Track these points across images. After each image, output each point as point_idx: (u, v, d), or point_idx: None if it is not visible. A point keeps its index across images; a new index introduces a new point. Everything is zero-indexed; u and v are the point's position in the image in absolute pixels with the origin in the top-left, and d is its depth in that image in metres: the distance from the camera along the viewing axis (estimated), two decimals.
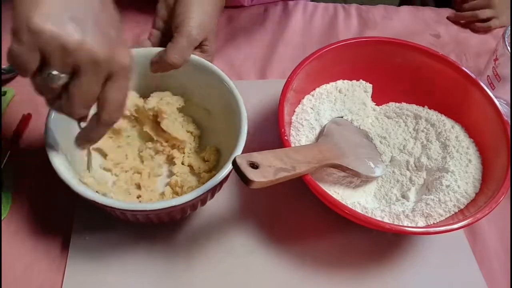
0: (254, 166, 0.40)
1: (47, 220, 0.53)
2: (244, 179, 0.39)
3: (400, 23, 0.82)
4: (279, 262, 0.51)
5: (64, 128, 0.47)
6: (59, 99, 0.38)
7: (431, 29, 0.81)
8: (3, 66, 0.66)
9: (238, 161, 0.40)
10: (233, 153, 0.46)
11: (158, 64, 0.53)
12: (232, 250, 0.52)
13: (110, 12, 0.39)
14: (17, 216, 0.53)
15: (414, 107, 0.62)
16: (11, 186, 0.54)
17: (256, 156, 0.41)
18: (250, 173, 0.39)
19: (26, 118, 0.60)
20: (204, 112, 0.57)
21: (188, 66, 0.53)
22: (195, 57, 0.53)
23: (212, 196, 0.49)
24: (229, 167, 0.45)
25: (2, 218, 0.52)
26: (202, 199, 0.48)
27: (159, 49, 0.53)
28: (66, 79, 0.36)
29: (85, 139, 0.42)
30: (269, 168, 0.41)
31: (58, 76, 0.35)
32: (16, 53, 0.34)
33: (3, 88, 0.63)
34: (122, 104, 0.40)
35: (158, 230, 0.52)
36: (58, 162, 0.45)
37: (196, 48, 0.54)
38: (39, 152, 0.57)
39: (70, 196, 0.53)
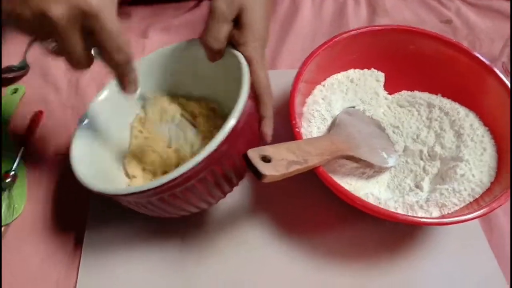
0: (266, 159, 0.40)
1: (61, 216, 0.53)
2: (257, 174, 0.39)
3: (410, 10, 0.80)
4: (292, 254, 0.51)
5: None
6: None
7: (442, 15, 0.79)
8: (14, 64, 0.66)
9: (250, 155, 0.39)
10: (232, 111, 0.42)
11: (206, 52, 0.49)
12: (245, 243, 0.52)
13: None
14: (32, 212, 0.53)
15: (427, 96, 0.61)
16: (25, 182, 0.55)
17: (268, 150, 0.41)
18: (263, 167, 0.39)
19: (38, 115, 0.61)
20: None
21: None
22: None
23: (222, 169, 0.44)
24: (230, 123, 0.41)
25: (17, 215, 0.52)
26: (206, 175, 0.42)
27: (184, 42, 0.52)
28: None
29: (123, 87, 0.43)
30: (282, 161, 0.41)
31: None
32: None
33: (15, 86, 0.64)
34: (117, 45, 0.39)
35: (171, 224, 0.52)
36: (76, 155, 0.46)
37: (235, 25, 0.48)
38: (52, 149, 0.58)
39: (84, 191, 0.54)
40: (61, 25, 0.36)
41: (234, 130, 0.41)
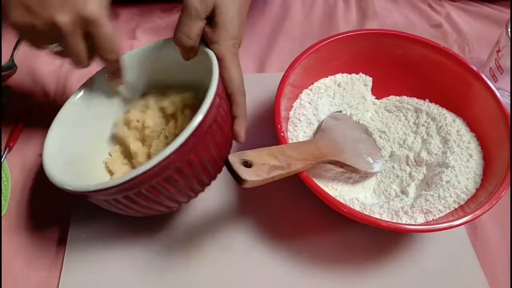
0: (247, 164, 0.40)
1: (45, 217, 0.53)
2: (237, 178, 0.39)
3: (400, 14, 0.80)
4: (277, 259, 0.51)
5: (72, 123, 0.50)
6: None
7: (432, 19, 0.79)
8: (2, 63, 0.65)
9: (231, 159, 0.39)
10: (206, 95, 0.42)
11: (179, 49, 0.49)
12: (230, 246, 0.51)
13: None
14: (15, 213, 0.53)
15: (415, 101, 0.61)
16: (9, 184, 0.54)
17: (249, 154, 0.41)
18: (243, 172, 0.39)
19: (24, 115, 0.60)
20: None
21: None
22: None
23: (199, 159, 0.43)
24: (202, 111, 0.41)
25: (1, 216, 0.52)
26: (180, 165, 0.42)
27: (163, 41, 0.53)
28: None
29: (111, 79, 0.51)
30: (263, 166, 0.41)
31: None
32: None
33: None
34: (111, 47, 0.46)
35: (155, 226, 0.52)
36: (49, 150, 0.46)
37: (208, 23, 0.48)
38: (36, 149, 0.58)
39: (67, 193, 0.53)
40: (67, 31, 0.42)
41: (200, 127, 0.40)
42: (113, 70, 0.50)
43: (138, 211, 0.45)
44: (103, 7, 0.44)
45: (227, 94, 0.47)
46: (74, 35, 0.43)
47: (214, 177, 0.47)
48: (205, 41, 0.48)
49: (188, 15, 0.46)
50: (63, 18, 0.42)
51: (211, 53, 0.47)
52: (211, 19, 0.47)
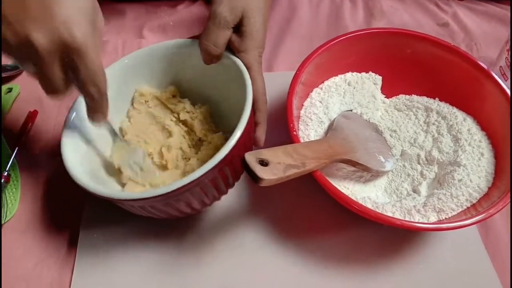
0: (263, 163, 0.40)
1: (55, 217, 0.53)
2: (254, 177, 0.39)
3: (407, 13, 0.80)
4: (288, 258, 0.51)
5: (82, 126, 0.48)
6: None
7: (439, 19, 0.79)
8: (8, 63, 0.65)
9: (247, 158, 0.39)
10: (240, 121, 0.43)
11: (202, 55, 0.49)
12: (242, 245, 0.51)
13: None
14: (26, 213, 0.53)
15: (424, 99, 0.61)
16: (19, 183, 0.54)
17: (265, 153, 0.40)
18: (260, 171, 0.39)
19: (32, 115, 0.60)
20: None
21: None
22: None
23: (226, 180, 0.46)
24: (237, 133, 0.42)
25: (11, 215, 0.52)
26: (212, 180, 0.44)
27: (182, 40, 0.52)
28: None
29: (92, 114, 0.43)
30: (279, 165, 0.41)
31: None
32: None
33: (9, 85, 0.63)
34: (94, 81, 0.39)
35: (167, 226, 0.52)
36: (70, 158, 0.45)
37: (234, 31, 0.48)
38: (46, 149, 0.58)
39: (78, 192, 0.53)
40: (42, 53, 0.36)
41: (238, 140, 0.42)
42: (93, 107, 0.42)
43: (168, 214, 0.46)
44: (90, 33, 0.38)
45: None
46: (50, 60, 0.37)
47: (238, 179, 0.50)
48: (231, 49, 0.49)
49: (216, 24, 0.46)
50: (40, 38, 0.35)
51: (239, 63, 0.48)
52: (238, 28, 0.48)
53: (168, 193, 0.40)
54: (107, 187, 0.48)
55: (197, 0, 0.78)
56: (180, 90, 0.57)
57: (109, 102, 0.43)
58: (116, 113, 0.54)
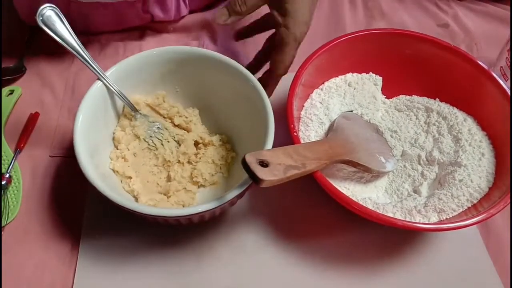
0: (263, 164, 0.40)
1: (57, 219, 0.53)
2: (254, 178, 0.39)
3: (407, 13, 0.80)
4: (290, 259, 0.51)
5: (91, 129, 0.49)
6: None
7: (439, 19, 0.79)
8: (10, 65, 0.65)
9: (248, 159, 0.39)
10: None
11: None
12: (243, 247, 0.51)
13: None
14: (27, 215, 0.53)
15: (425, 100, 0.61)
16: (20, 185, 0.54)
17: (266, 154, 0.41)
18: (260, 172, 0.39)
19: (34, 117, 0.60)
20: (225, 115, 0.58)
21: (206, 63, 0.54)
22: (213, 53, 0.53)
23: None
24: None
25: (13, 217, 0.52)
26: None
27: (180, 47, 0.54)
28: None
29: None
30: (279, 166, 0.41)
31: None
32: None
33: (10, 87, 0.63)
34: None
35: (168, 229, 0.52)
36: (88, 167, 0.45)
37: (274, 8, 0.52)
38: (48, 151, 0.58)
39: (79, 194, 0.53)
40: None
41: None
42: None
43: (177, 223, 0.49)
44: None
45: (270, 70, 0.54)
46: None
47: None
48: (274, 23, 0.52)
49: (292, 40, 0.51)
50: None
51: (262, 92, 0.51)
52: (281, 5, 0.51)
53: (194, 214, 0.43)
54: (119, 192, 0.49)
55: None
56: (172, 95, 0.58)
57: (103, 112, 0.50)
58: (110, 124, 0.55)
